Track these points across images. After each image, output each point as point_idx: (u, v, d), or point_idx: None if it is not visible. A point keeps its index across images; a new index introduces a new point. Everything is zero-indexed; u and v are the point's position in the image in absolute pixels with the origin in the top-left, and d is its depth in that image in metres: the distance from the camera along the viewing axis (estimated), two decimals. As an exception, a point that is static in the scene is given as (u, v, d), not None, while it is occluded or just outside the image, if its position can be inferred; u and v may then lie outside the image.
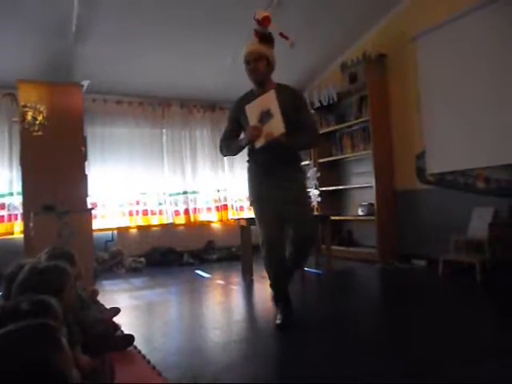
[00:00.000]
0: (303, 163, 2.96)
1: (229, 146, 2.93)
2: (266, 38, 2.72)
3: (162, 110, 6.26)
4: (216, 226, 6.53)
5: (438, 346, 2.18)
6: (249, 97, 2.77)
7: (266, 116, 2.58)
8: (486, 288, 3.55)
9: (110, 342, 2.10)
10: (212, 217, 6.48)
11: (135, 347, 2.30)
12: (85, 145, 4.94)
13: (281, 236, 2.73)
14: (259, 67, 2.70)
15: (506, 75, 3.92)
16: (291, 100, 2.69)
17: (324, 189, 5.70)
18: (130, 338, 2.30)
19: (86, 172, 4.91)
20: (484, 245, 3.82)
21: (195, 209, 6.35)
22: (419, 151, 4.81)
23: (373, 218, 5.00)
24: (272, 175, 2.73)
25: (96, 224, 5.51)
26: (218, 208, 6.51)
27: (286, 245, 2.78)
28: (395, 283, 4.03)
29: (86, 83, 4.89)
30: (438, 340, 2.28)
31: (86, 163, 5.02)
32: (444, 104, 4.49)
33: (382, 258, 4.82)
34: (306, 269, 4.43)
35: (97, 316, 2.10)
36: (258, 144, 2.63)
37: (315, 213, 5.40)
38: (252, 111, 2.66)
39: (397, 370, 1.92)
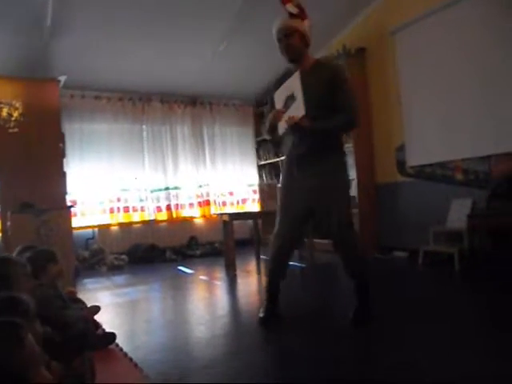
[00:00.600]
0: (342, 149, 2.63)
1: (266, 131, 2.81)
2: (294, 14, 2.52)
3: (142, 105, 6.18)
4: (199, 221, 6.51)
5: (418, 333, 2.22)
6: (287, 78, 2.62)
7: (290, 100, 2.47)
8: (464, 276, 3.64)
9: (91, 340, 2.07)
10: (194, 212, 6.45)
11: (117, 345, 2.28)
12: (63, 141, 4.85)
13: (293, 234, 2.63)
14: (292, 42, 2.50)
15: (482, 69, 3.98)
16: (328, 78, 2.49)
17: (306, 183, 5.72)
18: (112, 335, 2.28)
19: (65, 169, 4.83)
20: (462, 235, 3.89)
21: (177, 205, 6.31)
22: (399, 144, 4.86)
23: (355, 210, 5.03)
24: (301, 164, 2.55)
25: (76, 222, 5.44)
26: (200, 203, 6.48)
27: (296, 243, 2.73)
28: (376, 274, 4.06)
29: (62, 78, 4.79)
30: (417, 327, 2.32)
31: (65, 160, 4.93)
32: (423, 97, 4.55)
33: (364, 250, 4.85)
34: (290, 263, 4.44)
35: (77, 314, 2.07)
36: (281, 130, 2.53)
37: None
38: (279, 97, 2.58)
39: (379, 357, 1.95)
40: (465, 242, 3.87)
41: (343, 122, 2.53)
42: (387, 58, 4.93)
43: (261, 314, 2.65)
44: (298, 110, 2.39)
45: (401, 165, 4.86)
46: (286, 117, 2.46)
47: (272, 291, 2.71)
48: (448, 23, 4.22)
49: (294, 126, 2.43)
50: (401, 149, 4.84)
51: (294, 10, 2.50)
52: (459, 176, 4.28)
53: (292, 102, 2.45)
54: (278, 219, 2.66)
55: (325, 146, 2.52)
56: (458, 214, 4.07)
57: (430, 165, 4.54)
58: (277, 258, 2.68)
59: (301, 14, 2.53)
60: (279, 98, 2.58)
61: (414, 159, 4.72)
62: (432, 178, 4.53)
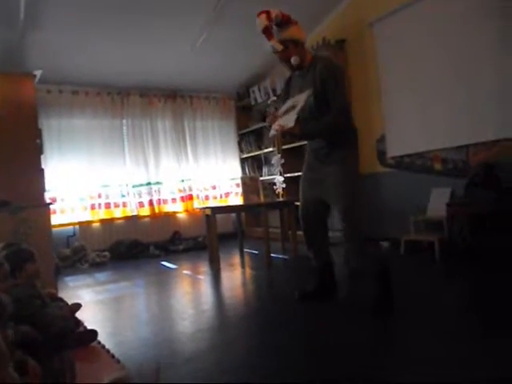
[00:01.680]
0: (353, 142, 2.70)
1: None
2: (279, 24, 2.62)
3: (121, 99, 6.09)
4: (182, 216, 6.47)
5: (398, 318, 2.25)
6: (293, 75, 2.81)
7: (290, 110, 2.60)
8: (444, 263, 3.72)
9: (71, 338, 2.04)
10: (177, 207, 6.41)
11: (99, 342, 2.25)
12: (40, 137, 4.75)
13: (314, 209, 2.76)
14: (288, 56, 2.65)
15: (459, 60, 4.03)
16: (320, 75, 2.56)
17: (289, 175, 5.73)
18: (93, 333, 2.25)
19: (43, 166, 4.73)
20: (442, 223, 3.96)
21: (160, 200, 6.26)
22: (380, 135, 4.90)
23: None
24: (316, 158, 2.75)
25: (56, 219, 5.37)
26: (183, 198, 6.44)
27: (322, 218, 2.83)
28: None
29: (38, 73, 4.67)
30: (398, 313, 2.35)
31: (43, 157, 4.83)
32: (402, 89, 4.58)
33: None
34: (272, 255, 4.47)
35: (56, 313, 2.03)
36: (271, 133, 2.69)
37: (281, 199, 5.44)
38: (287, 103, 2.72)
39: (361, 343, 1.98)
40: (444, 230, 3.94)
41: (330, 122, 2.55)
42: (367, 50, 4.95)
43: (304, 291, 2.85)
44: (288, 120, 2.53)
45: (381, 155, 4.90)
46: (276, 125, 2.60)
47: (318, 274, 2.85)
48: (425, 15, 4.26)
49: (283, 134, 2.62)
50: (381, 140, 4.88)
51: (279, 47, 2.61)
52: (438, 166, 4.34)
53: (290, 111, 2.59)
54: (299, 204, 2.86)
55: (335, 140, 2.62)
56: (438, 202, 4.13)
57: (410, 155, 4.59)
58: (310, 240, 2.84)
59: (288, 22, 2.63)
60: (286, 104, 2.71)
61: (394, 150, 4.76)
62: (412, 168, 4.59)
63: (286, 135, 2.64)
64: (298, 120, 2.49)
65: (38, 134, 4.67)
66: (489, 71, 3.79)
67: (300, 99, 2.56)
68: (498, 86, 3.73)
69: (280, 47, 2.60)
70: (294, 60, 2.63)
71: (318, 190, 2.72)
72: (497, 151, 3.83)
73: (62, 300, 2.50)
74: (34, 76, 4.67)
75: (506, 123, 3.71)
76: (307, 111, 2.58)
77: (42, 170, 4.64)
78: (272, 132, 2.67)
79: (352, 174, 2.64)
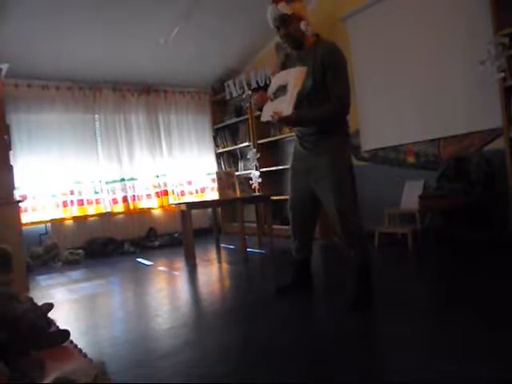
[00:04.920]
0: (344, 131, 2.62)
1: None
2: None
3: (93, 94, 5.96)
4: (157, 212, 6.40)
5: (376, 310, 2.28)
6: (291, 55, 2.64)
7: (281, 91, 2.43)
8: (417, 254, 3.80)
9: (44, 338, 1.99)
10: (152, 203, 6.33)
11: (71, 342, 2.20)
12: (8, 133, 4.60)
13: (302, 201, 2.69)
14: (291, 31, 2.49)
15: (430, 55, 4.10)
16: (322, 59, 2.43)
17: (264, 169, 5.74)
18: (65, 332, 2.20)
19: (12, 162, 4.58)
20: (415, 216, 4.03)
21: (134, 196, 6.17)
22: (354, 129, 4.94)
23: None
24: (303, 147, 2.63)
25: (27, 217, 5.23)
26: (158, 194, 6.37)
27: (310, 217, 2.77)
28: (334, 257, 4.15)
29: (4, 67, 4.50)
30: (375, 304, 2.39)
31: (11, 153, 4.68)
32: (375, 83, 4.63)
33: (323, 234, 4.95)
34: (248, 249, 4.47)
35: (28, 307, 1.98)
36: (264, 118, 2.52)
37: (257, 193, 5.44)
38: (275, 80, 2.54)
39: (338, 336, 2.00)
40: (417, 222, 4.02)
41: (332, 110, 2.45)
42: (340, 45, 4.95)
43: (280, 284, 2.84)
44: (285, 107, 2.36)
45: (356, 150, 4.95)
46: (271, 110, 2.43)
47: (296, 267, 2.83)
48: (398, 10, 4.31)
49: (278, 120, 2.43)
50: (356, 134, 4.92)
51: (287, 10, 2.43)
52: (411, 159, 4.41)
53: (282, 93, 2.42)
54: (289, 195, 2.82)
55: (326, 129, 2.52)
56: (411, 195, 4.20)
57: (384, 149, 4.65)
58: (296, 232, 2.81)
59: None
60: (274, 82, 2.55)
61: (368, 144, 4.82)
62: (386, 162, 4.65)
63: (282, 122, 2.47)
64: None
65: (6, 129, 4.52)
66: (459, 66, 3.87)
67: (289, 77, 2.41)
68: (468, 81, 3.81)
69: (288, 9, 2.43)
70: (303, 25, 2.47)
71: (307, 181, 2.62)
72: (467, 144, 3.92)
73: (31, 300, 2.43)
74: (0, 70, 4.51)
75: (476, 117, 3.80)
76: (304, 95, 2.44)
77: (11, 166, 4.50)
78: (265, 117, 2.51)
79: (343, 167, 2.51)
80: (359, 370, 1.66)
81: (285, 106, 2.37)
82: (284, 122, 2.50)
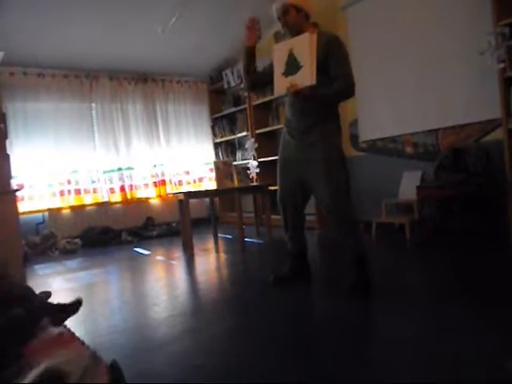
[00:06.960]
0: (336, 117, 2.62)
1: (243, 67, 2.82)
2: None
3: (90, 82, 5.92)
4: (154, 201, 6.39)
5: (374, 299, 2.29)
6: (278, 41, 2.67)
7: (293, 66, 2.40)
8: (414, 244, 3.81)
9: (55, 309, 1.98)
10: (150, 193, 6.32)
11: (69, 330, 2.20)
12: (4, 122, 4.56)
13: (292, 193, 2.70)
14: (289, 19, 2.59)
15: (429, 45, 4.07)
16: (324, 46, 2.47)
17: (262, 159, 5.72)
18: (78, 301, 2.18)
19: (8, 151, 4.56)
20: (412, 206, 4.04)
21: (131, 185, 6.16)
22: (352, 119, 4.92)
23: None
24: (292, 136, 2.65)
25: (24, 206, 5.22)
26: (155, 183, 6.36)
27: (300, 208, 2.77)
28: (331, 247, 4.16)
29: None
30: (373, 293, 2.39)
31: (8, 142, 4.64)
32: (374, 73, 4.60)
33: (321, 224, 4.95)
34: (246, 239, 4.47)
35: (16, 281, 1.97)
36: (277, 93, 2.51)
37: (255, 183, 5.43)
38: (279, 53, 2.49)
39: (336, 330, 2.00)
40: (415, 213, 4.02)
41: (341, 89, 2.50)
42: (339, 34, 4.90)
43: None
44: (305, 78, 2.33)
45: (354, 139, 4.94)
46: (286, 82, 2.42)
47: (292, 258, 2.85)
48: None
49: (295, 94, 2.42)
50: (354, 124, 4.90)
51: None
52: (409, 149, 4.40)
53: (294, 67, 2.38)
54: (278, 186, 2.79)
55: (320, 116, 2.55)
56: (409, 185, 4.20)
57: (382, 139, 4.64)
58: (288, 224, 2.80)
59: None
60: (279, 54, 2.50)
61: (366, 134, 4.81)
62: (384, 152, 4.64)
63: (299, 94, 2.41)
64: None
65: (2, 118, 4.49)
66: (459, 56, 3.84)
67: (298, 46, 2.40)
68: (467, 71, 3.79)
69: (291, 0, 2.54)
70: (304, 15, 2.59)
71: (296, 172, 2.63)
72: (465, 135, 3.91)
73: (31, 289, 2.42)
74: (-5, 57, 4.47)
75: (474, 108, 3.78)
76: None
77: (8, 155, 4.48)
78: (280, 91, 2.51)
79: (335, 156, 2.54)
80: (357, 361, 1.67)
81: (306, 75, 2.34)
82: (301, 94, 2.44)
